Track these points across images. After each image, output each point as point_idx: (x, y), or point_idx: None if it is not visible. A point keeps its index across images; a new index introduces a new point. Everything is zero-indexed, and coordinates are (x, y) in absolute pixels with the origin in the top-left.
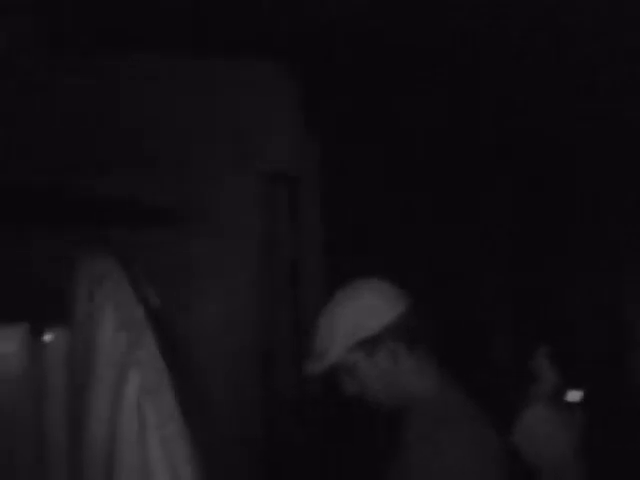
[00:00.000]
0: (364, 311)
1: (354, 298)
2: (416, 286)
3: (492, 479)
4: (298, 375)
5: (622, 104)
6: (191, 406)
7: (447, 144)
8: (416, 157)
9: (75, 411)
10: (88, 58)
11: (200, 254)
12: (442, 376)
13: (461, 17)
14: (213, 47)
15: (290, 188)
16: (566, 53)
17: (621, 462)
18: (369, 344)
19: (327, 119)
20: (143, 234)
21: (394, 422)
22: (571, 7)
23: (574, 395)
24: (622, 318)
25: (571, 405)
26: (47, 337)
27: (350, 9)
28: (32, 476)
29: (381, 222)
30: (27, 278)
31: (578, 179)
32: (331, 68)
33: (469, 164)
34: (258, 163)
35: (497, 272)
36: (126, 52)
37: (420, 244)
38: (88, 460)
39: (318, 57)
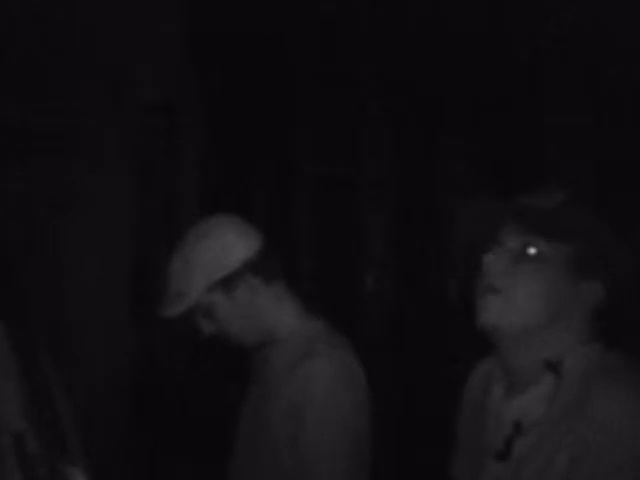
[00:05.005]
0: (220, 249)
1: (206, 237)
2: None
3: (361, 408)
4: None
5: None
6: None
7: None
8: (296, 86)
9: None
10: None
11: (78, 183)
12: (303, 309)
13: None
14: None
15: (168, 119)
16: None
17: None
18: (228, 282)
19: (208, 52)
20: (24, 161)
21: (252, 360)
22: None
23: None
24: None
25: None
26: None
27: None
28: None
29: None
30: None
31: None
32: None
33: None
34: (137, 94)
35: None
36: None
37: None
38: None
39: None
